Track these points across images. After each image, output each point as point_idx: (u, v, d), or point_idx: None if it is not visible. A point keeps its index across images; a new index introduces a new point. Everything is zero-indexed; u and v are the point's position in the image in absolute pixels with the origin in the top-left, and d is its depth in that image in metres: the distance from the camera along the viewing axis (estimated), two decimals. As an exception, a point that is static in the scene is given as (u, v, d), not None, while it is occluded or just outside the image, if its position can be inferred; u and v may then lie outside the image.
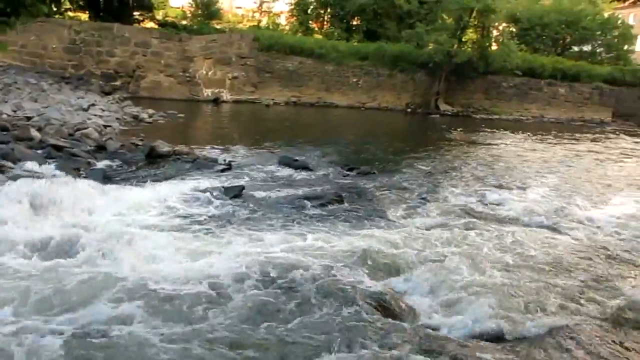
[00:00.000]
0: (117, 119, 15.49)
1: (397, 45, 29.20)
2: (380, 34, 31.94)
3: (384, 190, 9.68)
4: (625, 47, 37.09)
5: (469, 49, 28.85)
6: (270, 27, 35.25)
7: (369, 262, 5.90)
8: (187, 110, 20.33)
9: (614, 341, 4.66)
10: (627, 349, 4.55)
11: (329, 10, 35.32)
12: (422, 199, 9.29)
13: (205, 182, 8.97)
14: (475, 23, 28.78)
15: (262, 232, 6.61)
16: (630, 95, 31.83)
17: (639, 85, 32.12)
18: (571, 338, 4.60)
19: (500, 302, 5.04)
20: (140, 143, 11.94)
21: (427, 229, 7.44)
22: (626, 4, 11.46)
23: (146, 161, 10.41)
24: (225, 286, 4.98)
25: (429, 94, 28.87)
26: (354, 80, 28.24)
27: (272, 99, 26.14)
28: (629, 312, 5.20)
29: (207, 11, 31.31)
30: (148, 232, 6.13)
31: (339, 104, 27.73)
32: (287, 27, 36.29)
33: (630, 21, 41.80)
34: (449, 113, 28.13)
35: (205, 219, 7.06)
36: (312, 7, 35.89)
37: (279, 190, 9.01)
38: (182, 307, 4.52)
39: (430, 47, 28.13)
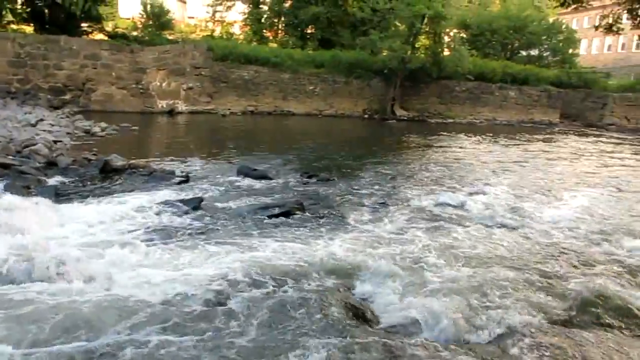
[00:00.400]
0: (67, 133, 14.98)
1: (352, 52, 29.51)
2: (334, 42, 32.22)
3: (344, 196, 9.69)
4: (570, 51, 38.65)
5: (422, 55, 29.44)
6: (224, 36, 35.01)
7: (332, 268, 5.87)
8: (142, 123, 19.89)
9: (569, 338, 4.75)
10: (582, 345, 4.64)
11: (282, 19, 35.41)
12: (383, 203, 9.35)
13: (162, 195, 8.76)
14: (427, 30, 29.39)
15: (223, 243, 6.48)
16: (576, 97, 33.11)
17: (584, 87, 33.44)
18: (529, 337, 4.67)
19: (461, 303, 5.08)
20: (93, 158, 11.56)
21: (388, 233, 7.48)
22: (569, 9, 12.03)
23: (100, 176, 10.07)
24: (185, 298, 4.86)
25: (385, 100, 29.27)
26: (311, 88, 28.35)
27: (229, 109, 25.91)
28: (584, 309, 5.33)
29: (158, 22, 30.80)
30: (103, 249, 5.91)
31: (296, 112, 27.76)
32: (241, 37, 36.13)
33: (574, 26, 43.60)
34: (405, 118, 28.59)
35: (163, 233, 6.87)
36: (265, 16, 35.88)
37: (239, 201, 8.88)
38: (138, 321, 4.36)
39: (384, 53, 28.57)
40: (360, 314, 4.85)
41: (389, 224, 8.01)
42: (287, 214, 8.12)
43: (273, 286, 5.20)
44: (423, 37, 30.31)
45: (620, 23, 11.03)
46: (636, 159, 17.81)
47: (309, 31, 34.72)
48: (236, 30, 38.99)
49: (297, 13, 32.75)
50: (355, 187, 10.64)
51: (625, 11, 10.55)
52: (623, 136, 26.34)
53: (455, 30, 33.83)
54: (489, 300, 5.29)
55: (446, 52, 30.50)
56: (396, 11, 28.24)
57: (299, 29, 34.00)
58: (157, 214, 7.64)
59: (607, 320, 5.14)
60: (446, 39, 31.33)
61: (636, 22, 10.47)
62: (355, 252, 6.41)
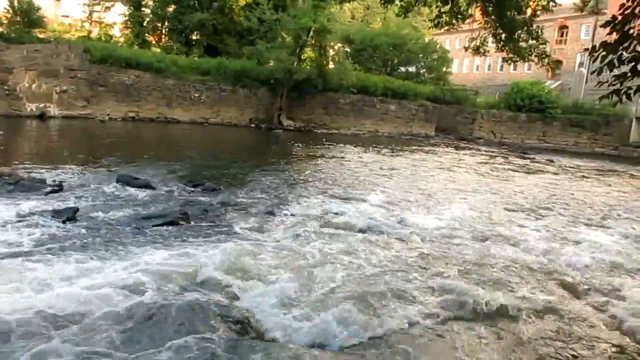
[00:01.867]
0: None
1: (238, 61, 29.36)
2: (221, 49, 31.86)
3: (231, 206, 9.56)
4: (444, 69, 41.58)
5: (308, 67, 30.07)
6: (103, 38, 33.15)
7: (217, 279, 5.75)
8: (8, 127, 18.20)
9: (449, 339, 5.07)
10: (460, 346, 4.96)
11: (166, 23, 34.32)
12: (269, 212, 9.35)
13: (31, 205, 8.04)
14: (313, 42, 30.08)
15: (99, 257, 6.08)
16: (449, 111, 35.64)
17: (456, 103, 36.10)
18: (407, 341, 4.91)
19: (344, 309, 5.20)
20: (-54, 164, 10.35)
21: (274, 242, 7.48)
22: (442, 30, 13.03)
23: (-46, 185, 9.04)
24: (58, 315, 4.49)
25: (271, 110, 29.44)
26: (196, 95, 27.74)
27: (108, 115, 24.54)
28: (460, 309, 5.71)
29: (27, 18, 28.39)
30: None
31: (181, 119, 26.99)
32: (121, 39, 34.42)
33: (447, 46, 46.96)
34: (292, 128, 28.95)
35: (32, 246, 6.29)
36: (148, 19, 34.55)
37: (118, 211, 8.40)
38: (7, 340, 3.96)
39: (271, 64, 28.77)
40: (243, 325, 4.79)
41: (275, 233, 8.03)
42: (171, 224, 7.83)
43: (152, 300, 4.97)
44: (309, 49, 31.00)
45: (486, 46, 12.06)
46: (503, 169, 19.52)
47: (194, 37, 34.00)
48: (116, 32, 37.07)
49: (182, 18, 31.95)
50: (242, 197, 10.54)
51: (490, 35, 11.56)
52: (491, 149, 28.76)
53: (339, 45, 34.99)
54: (372, 306, 5.48)
55: (331, 65, 31.40)
56: (283, 23, 28.60)
57: (184, 34, 33.17)
58: (24, 225, 6.99)
59: (478, 320, 5.54)
60: (331, 52, 32.29)
61: (499, 45, 11.51)
62: (240, 262, 6.33)
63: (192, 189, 10.84)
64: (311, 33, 28.87)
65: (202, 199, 10.01)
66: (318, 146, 22.15)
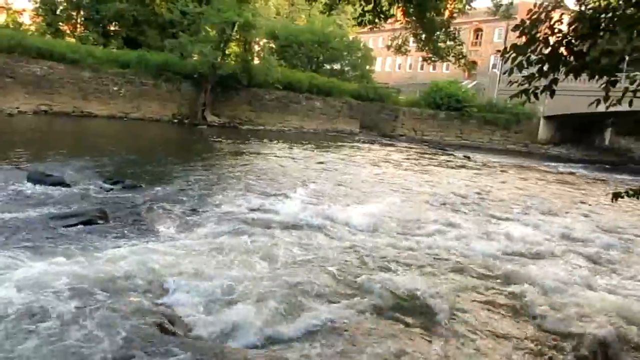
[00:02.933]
0: None
1: (160, 54, 28.43)
2: (141, 42, 30.72)
3: (153, 204, 9.25)
4: (367, 67, 42.39)
5: (233, 62, 29.63)
6: (11, 25, 30.99)
7: (139, 279, 5.57)
8: None
9: (373, 330, 5.21)
10: (386, 336, 5.11)
11: (82, 12, 32.60)
12: (193, 210, 9.17)
13: None
14: (238, 37, 29.67)
15: (7, 259, 5.70)
16: (373, 109, 36.40)
17: (379, 100, 36.94)
18: (336, 332, 5.01)
19: (268, 307, 5.21)
20: None
21: (198, 240, 7.35)
22: (365, 29, 13.32)
23: None
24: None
25: (196, 105, 28.76)
26: (115, 89, 26.56)
27: (17, 108, 23.00)
28: (385, 301, 5.87)
29: None
30: None
31: (98, 113, 25.76)
32: (32, 28, 32.32)
33: (370, 45, 47.91)
34: (216, 124, 28.45)
35: None
36: (61, 7, 32.68)
37: (28, 211, 7.92)
38: None
39: (195, 58, 28.09)
40: (166, 325, 4.66)
41: (199, 231, 7.89)
42: (88, 223, 7.49)
43: (68, 303, 4.72)
44: (234, 44, 30.55)
45: (408, 45, 12.42)
46: (425, 165, 20.22)
47: (112, 28, 32.55)
48: (26, 20, 34.77)
49: (99, 8, 30.48)
50: (165, 194, 10.26)
51: (411, 35, 11.92)
52: (412, 145, 29.70)
53: (264, 40, 34.74)
54: (297, 301, 5.52)
55: (256, 61, 31.14)
56: (207, 16, 28.01)
57: (101, 25, 31.67)
58: None
59: (394, 311, 5.72)
60: (256, 47, 32.00)
61: (420, 45, 11.90)
62: (163, 261, 6.16)
63: (111, 186, 10.42)
64: (236, 28, 28.46)
65: (122, 196, 9.65)
66: (243, 142, 21.93)
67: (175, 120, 28.18)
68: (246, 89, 30.09)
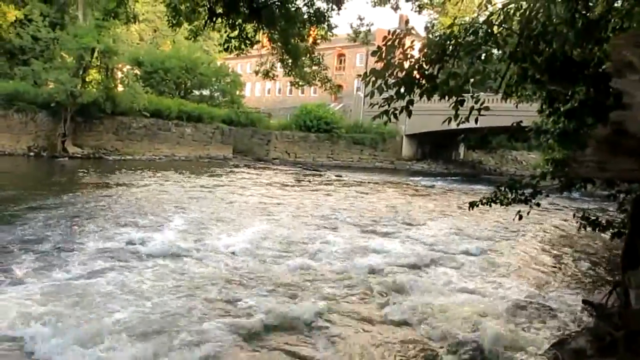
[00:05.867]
0: None
1: (10, 83, 26.13)
2: (-13, 69, 28.06)
3: (9, 245, 8.43)
4: (237, 92, 42.50)
5: (94, 90, 28.02)
6: None
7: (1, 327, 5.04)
8: None
9: (250, 353, 5.19)
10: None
11: None
12: (58, 248, 8.48)
13: None
14: (99, 64, 28.20)
15: None
16: (245, 134, 36.52)
17: (251, 125, 37.17)
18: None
19: (146, 346, 5.00)
20: None
21: (65, 280, 6.82)
22: (233, 55, 13.43)
23: None
24: None
25: (54, 136, 26.71)
26: (-45, 121, 23.90)
27: None
28: (259, 323, 5.87)
29: None
30: None
31: (-64, 150, 22.94)
32: None
33: (239, 70, 48.15)
34: (79, 155, 26.63)
35: None
36: None
37: None
38: None
39: (50, 86, 26.17)
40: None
41: (65, 271, 7.31)
42: None
43: None
44: (94, 71, 28.94)
45: (275, 70, 12.71)
46: (299, 186, 20.61)
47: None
48: None
49: None
50: (24, 234, 9.37)
51: (278, 60, 12.23)
52: (286, 168, 30.17)
53: (128, 67, 33.40)
54: (177, 336, 5.31)
55: (120, 88, 29.79)
56: (62, 42, 26.34)
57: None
58: None
59: (273, 331, 5.78)
60: (119, 74, 30.65)
61: (287, 70, 12.25)
62: (25, 306, 5.63)
63: (-44, 230, 9.29)
64: (96, 54, 27.06)
65: (-29, 240, 8.65)
66: (111, 174, 20.74)
67: (32, 154, 25.95)
68: (111, 118, 28.67)
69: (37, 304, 5.83)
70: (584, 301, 7.20)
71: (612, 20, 4.87)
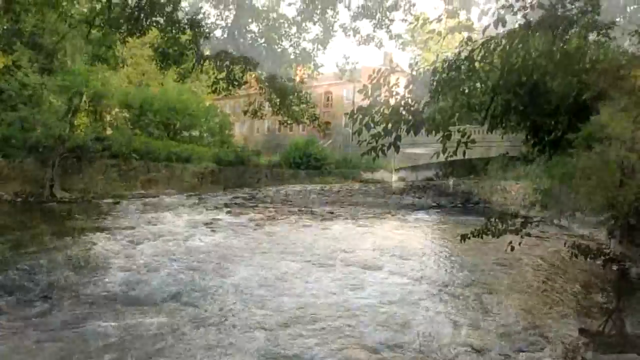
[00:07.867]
0: None
1: (-2, 129, 26.09)
2: (-27, 116, 27.97)
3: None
4: (227, 131, 42.77)
5: (83, 133, 28.05)
6: None
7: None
8: None
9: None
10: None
11: None
12: (44, 297, 8.33)
13: None
14: (88, 107, 28.34)
15: None
16: (237, 171, 36.53)
17: (241, 163, 37.23)
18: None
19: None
20: None
21: (59, 330, 6.67)
22: (221, 96, 13.72)
23: None
24: None
25: (42, 181, 26.53)
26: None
27: None
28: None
29: None
30: None
31: None
32: None
33: (228, 110, 48.54)
34: (67, 200, 26.38)
35: None
36: None
37: None
38: None
39: (38, 131, 26.15)
40: None
41: (55, 320, 7.15)
42: None
43: None
44: (83, 114, 29.08)
45: (264, 109, 12.86)
46: (291, 224, 20.50)
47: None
48: None
49: None
50: (10, 281, 9.19)
51: (266, 100, 12.40)
52: (276, 205, 30.00)
53: (117, 109, 33.58)
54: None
55: (109, 131, 29.87)
56: (49, 86, 26.48)
57: None
58: None
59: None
60: (108, 117, 30.79)
61: (274, 109, 12.40)
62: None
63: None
64: (84, 97, 27.21)
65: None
66: (99, 217, 20.51)
67: (19, 199, 25.67)
68: (100, 161, 28.58)
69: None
70: (580, 330, 7.16)
71: (588, 52, 5.03)
